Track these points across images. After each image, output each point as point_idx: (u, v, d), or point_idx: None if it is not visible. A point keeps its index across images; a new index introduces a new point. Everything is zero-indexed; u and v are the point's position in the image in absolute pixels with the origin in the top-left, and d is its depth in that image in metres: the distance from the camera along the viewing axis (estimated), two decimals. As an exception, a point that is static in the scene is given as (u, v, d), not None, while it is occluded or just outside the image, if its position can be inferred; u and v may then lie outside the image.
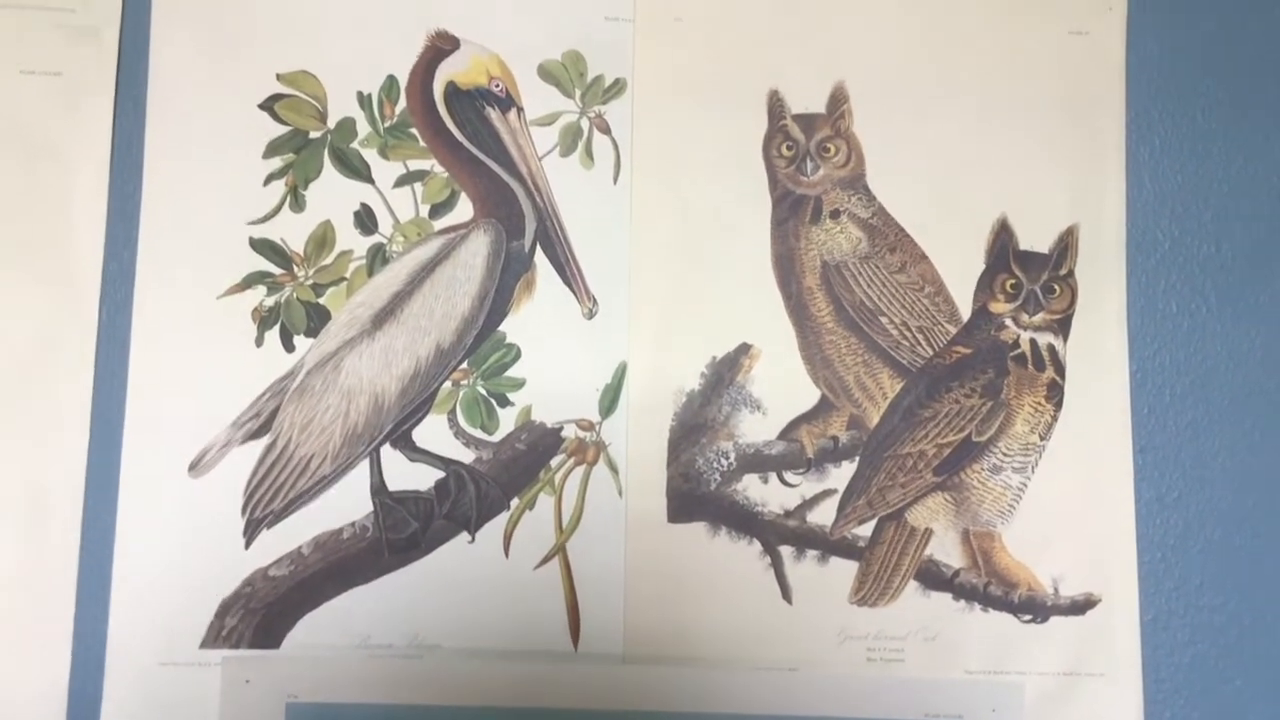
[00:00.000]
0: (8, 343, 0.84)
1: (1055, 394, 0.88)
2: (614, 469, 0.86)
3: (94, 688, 0.81)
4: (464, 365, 0.86)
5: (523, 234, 0.88)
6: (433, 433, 0.86)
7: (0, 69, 0.86)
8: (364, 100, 0.88)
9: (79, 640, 0.82)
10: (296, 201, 0.87)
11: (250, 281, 0.86)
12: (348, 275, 0.87)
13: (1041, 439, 0.88)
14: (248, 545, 0.83)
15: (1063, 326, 0.89)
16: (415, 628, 0.83)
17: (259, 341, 0.86)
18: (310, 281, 0.86)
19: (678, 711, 0.82)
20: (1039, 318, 0.89)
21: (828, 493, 0.87)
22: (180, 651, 0.82)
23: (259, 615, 0.83)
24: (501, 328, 0.87)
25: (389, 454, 0.85)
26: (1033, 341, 0.89)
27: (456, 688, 0.81)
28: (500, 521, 0.85)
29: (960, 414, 0.88)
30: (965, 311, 0.89)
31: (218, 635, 0.82)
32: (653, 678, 0.82)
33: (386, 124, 0.88)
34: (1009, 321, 0.89)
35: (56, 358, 0.84)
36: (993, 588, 0.86)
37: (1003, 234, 0.90)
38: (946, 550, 0.87)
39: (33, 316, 0.84)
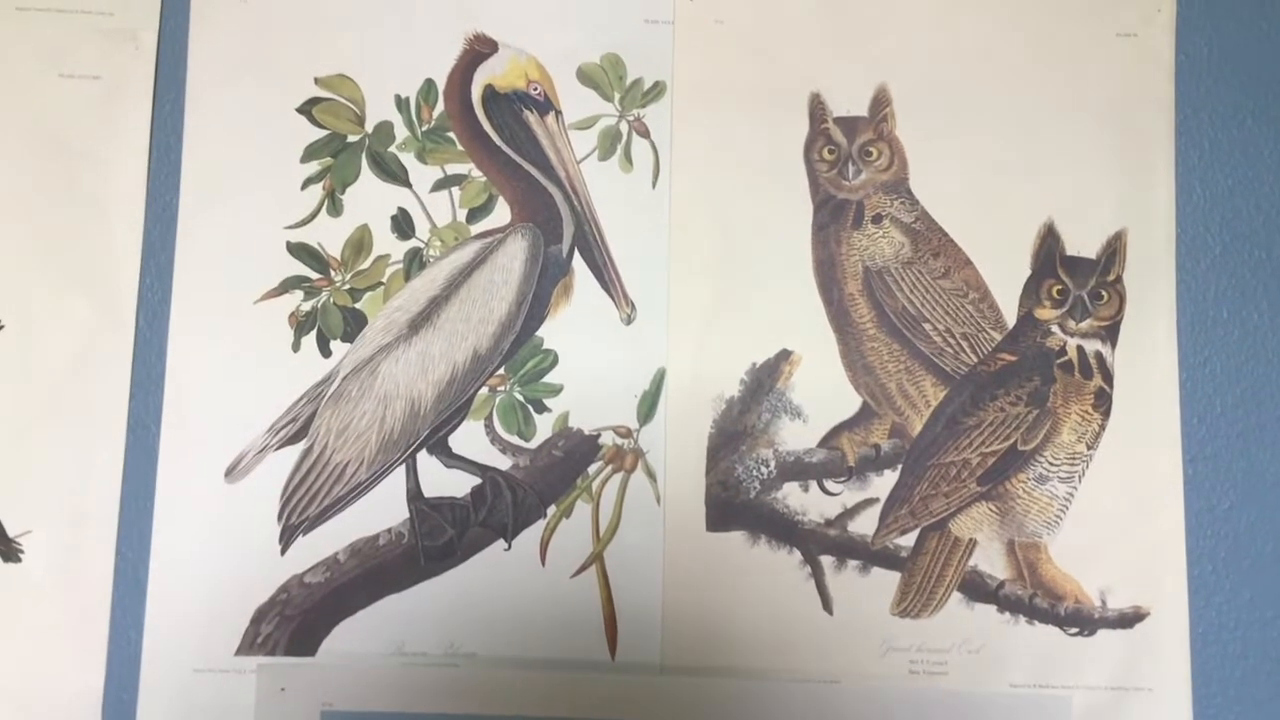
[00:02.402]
0: (45, 347, 0.84)
1: (1103, 402, 0.86)
2: (652, 476, 0.85)
3: (129, 694, 0.81)
4: (501, 371, 0.86)
5: (560, 238, 0.87)
6: (469, 439, 0.85)
7: (39, 73, 0.86)
8: (402, 104, 0.87)
9: (114, 646, 0.81)
10: (334, 206, 0.86)
11: (287, 286, 0.86)
12: (385, 280, 0.86)
13: (1089, 448, 0.86)
14: (283, 551, 0.83)
15: (1110, 333, 0.87)
16: (451, 636, 0.82)
17: (296, 347, 0.85)
18: (347, 286, 0.86)
19: (717, 723, 0.81)
20: (1086, 324, 0.87)
21: (869, 502, 0.86)
22: (215, 658, 0.81)
23: (294, 622, 0.82)
24: (539, 333, 0.86)
25: (425, 460, 0.85)
26: (1080, 349, 0.87)
27: (492, 697, 0.80)
28: (537, 529, 0.84)
29: (1005, 422, 0.86)
30: (1010, 318, 0.87)
31: (253, 642, 0.82)
32: (690, 688, 0.81)
33: (424, 128, 0.87)
34: (1055, 328, 0.87)
35: (93, 362, 0.84)
36: (1039, 600, 0.84)
37: (1049, 239, 0.88)
38: (991, 561, 0.85)
39: (70, 320, 0.84)
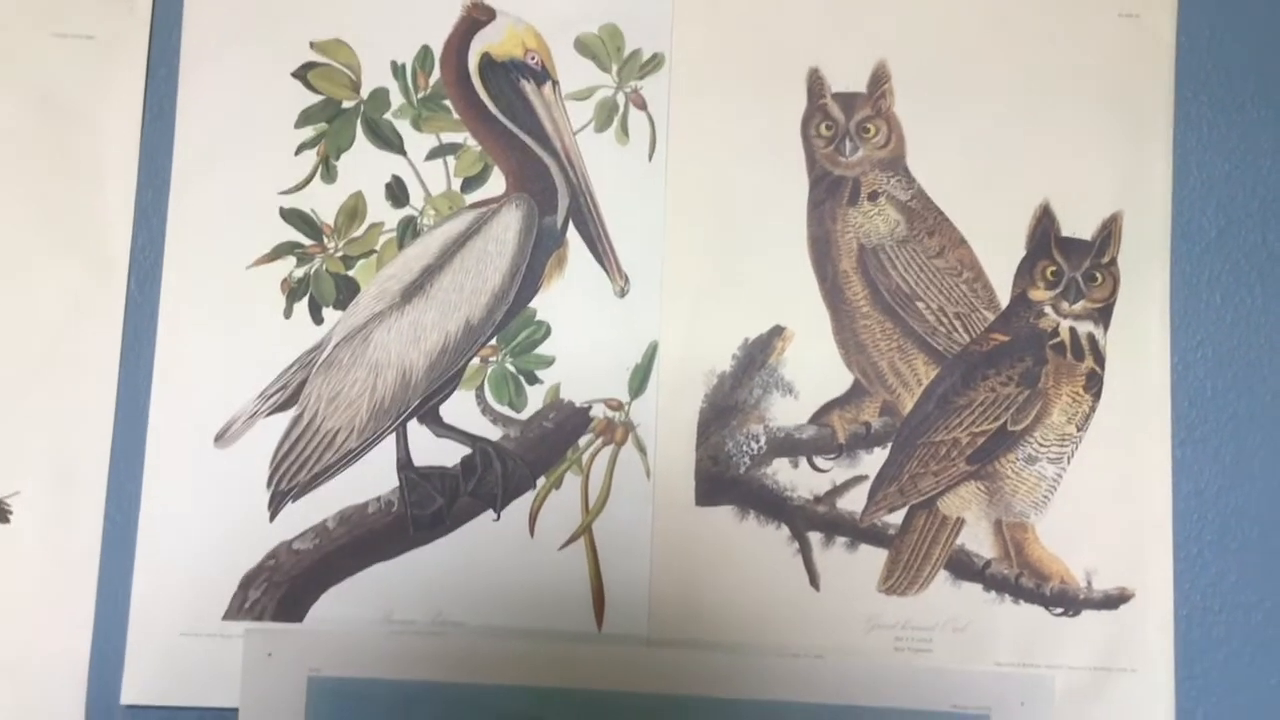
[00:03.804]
0: (36, 310, 0.83)
1: (1094, 384, 0.87)
2: (642, 450, 0.85)
3: (116, 656, 0.81)
4: (493, 341, 0.85)
5: (555, 209, 0.87)
6: (460, 409, 0.85)
7: (33, 31, 0.85)
8: (398, 70, 0.87)
9: (101, 608, 0.81)
10: (328, 172, 0.86)
11: (280, 252, 0.85)
12: (378, 248, 0.86)
13: (1079, 429, 0.86)
14: (272, 518, 0.83)
15: (1103, 315, 0.87)
16: (439, 604, 0.82)
17: (288, 313, 0.85)
18: (340, 253, 0.86)
19: (701, 695, 0.81)
20: (1079, 306, 0.87)
21: (859, 479, 0.86)
22: (203, 622, 0.81)
23: (282, 588, 0.82)
24: (532, 304, 0.86)
25: (416, 429, 0.85)
26: (1072, 330, 0.87)
27: (479, 665, 0.81)
28: (526, 500, 0.84)
29: (996, 402, 0.86)
30: (1004, 298, 0.87)
31: (241, 607, 0.82)
32: (677, 660, 0.81)
33: (420, 95, 0.87)
34: (1049, 309, 0.87)
35: (84, 324, 0.84)
36: (1024, 579, 0.85)
37: (1044, 219, 0.88)
38: (978, 540, 0.85)
39: (61, 282, 0.84)
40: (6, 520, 0.82)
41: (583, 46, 0.88)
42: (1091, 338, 0.87)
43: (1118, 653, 0.84)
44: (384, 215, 0.86)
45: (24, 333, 0.83)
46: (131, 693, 0.81)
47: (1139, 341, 0.87)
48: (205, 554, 0.82)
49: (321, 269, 0.85)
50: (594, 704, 0.81)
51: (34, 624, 0.80)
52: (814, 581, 0.84)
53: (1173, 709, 0.84)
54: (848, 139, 0.88)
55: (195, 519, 0.82)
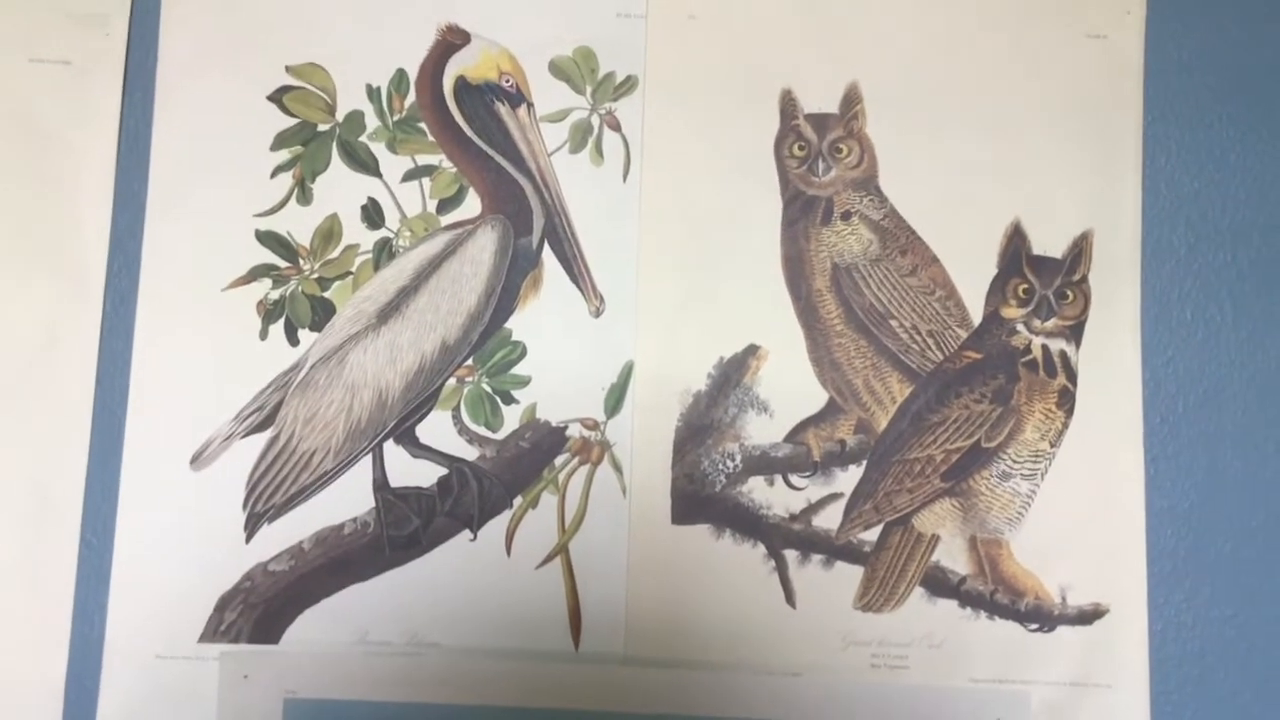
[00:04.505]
0: (11, 331, 0.84)
1: (1066, 401, 0.87)
2: (618, 469, 0.85)
3: (91, 679, 0.81)
4: (469, 362, 0.86)
5: (530, 230, 0.87)
6: (437, 429, 0.85)
7: (9, 57, 0.86)
8: (373, 93, 0.87)
9: (77, 630, 0.81)
10: (304, 194, 0.87)
11: (256, 274, 0.86)
12: (354, 269, 0.86)
13: (1052, 446, 0.87)
14: (248, 539, 0.83)
15: (1075, 333, 0.88)
16: (415, 625, 0.82)
17: (263, 334, 0.85)
18: (316, 275, 0.86)
19: (678, 714, 0.81)
20: (1051, 323, 0.88)
21: (834, 496, 0.86)
22: (179, 645, 0.81)
23: (258, 610, 0.82)
24: (507, 325, 0.86)
25: (392, 450, 0.85)
26: (1044, 347, 0.88)
27: (456, 686, 0.81)
28: (503, 520, 0.84)
29: (970, 420, 0.87)
30: (976, 316, 0.88)
31: (216, 629, 0.82)
32: (654, 679, 0.82)
33: (395, 118, 0.87)
34: (1021, 327, 0.88)
35: (60, 347, 0.84)
36: (999, 595, 0.85)
37: (1016, 238, 0.89)
38: (953, 557, 0.86)
39: (37, 305, 0.84)
40: (-19, 544, 0.81)
41: (557, 69, 0.88)
42: (1064, 354, 0.88)
43: (1093, 668, 0.84)
44: (360, 237, 0.87)
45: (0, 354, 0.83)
46: (107, 716, 0.80)
47: (1110, 358, 0.88)
48: (181, 576, 0.82)
49: (297, 291, 0.86)
50: (570, 724, 0.81)
51: (8, 647, 0.80)
52: (790, 599, 0.85)
53: (1148, 724, 0.84)
54: (820, 159, 0.89)
55: (171, 541, 0.82)
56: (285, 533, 0.83)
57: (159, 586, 0.82)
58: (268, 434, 0.84)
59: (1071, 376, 0.87)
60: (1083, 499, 0.86)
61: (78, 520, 0.82)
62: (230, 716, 0.79)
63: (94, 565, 0.82)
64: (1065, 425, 0.87)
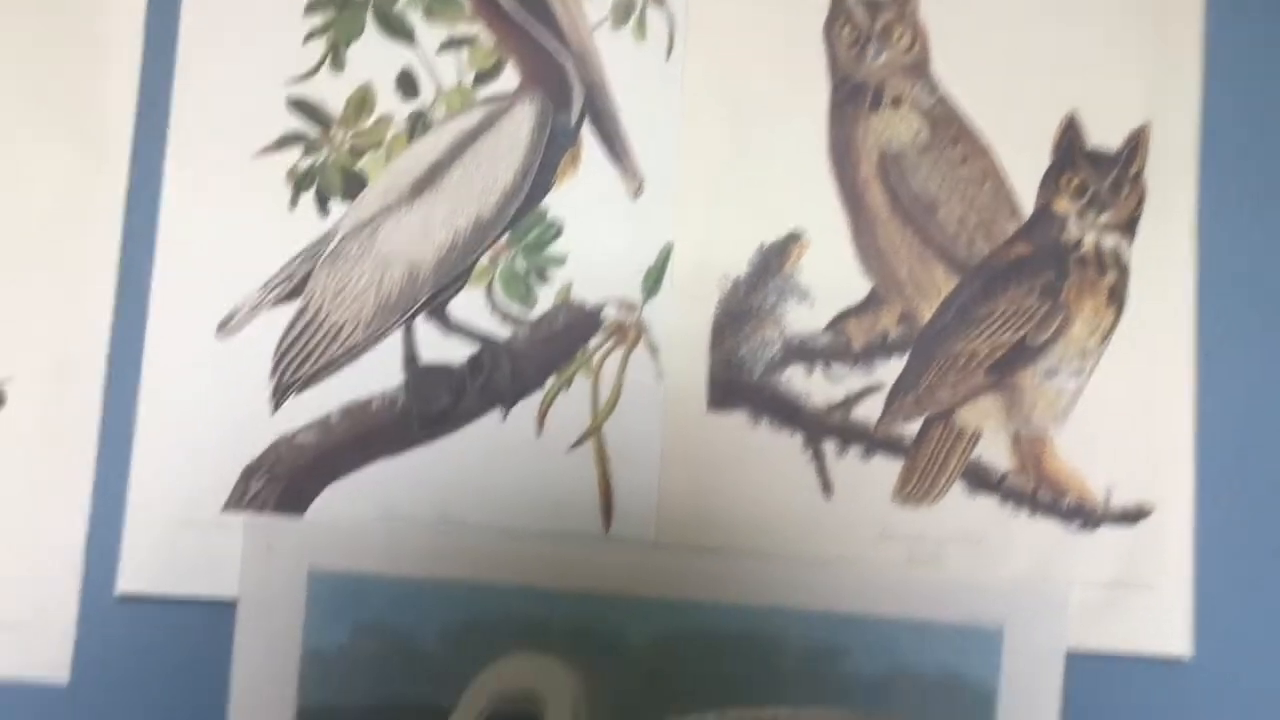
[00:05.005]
0: (35, 196, 0.81)
1: (1117, 298, 0.85)
2: (654, 352, 0.83)
3: (112, 544, 0.79)
4: (503, 239, 0.83)
5: (569, 107, 0.84)
6: (469, 306, 0.83)
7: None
8: (411, -43, 0.84)
9: (98, 496, 0.79)
10: (337, 61, 0.84)
11: (286, 142, 0.83)
12: (387, 141, 0.83)
13: (1100, 344, 0.84)
14: (275, 410, 0.81)
15: (1129, 229, 0.85)
16: (443, 503, 0.80)
17: (293, 204, 0.83)
18: (348, 145, 0.83)
19: (708, 599, 0.79)
20: (1104, 218, 0.85)
21: (874, 388, 0.84)
22: (203, 513, 0.79)
23: (283, 482, 0.80)
24: (544, 202, 0.84)
25: (423, 326, 0.82)
26: (1096, 243, 0.85)
27: (483, 564, 0.79)
28: (534, 400, 0.82)
29: (1017, 315, 0.84)
30: (1027, 209, 0.85)
31: (241, 498, 0.80)
32: (684, 564, 0.80)
33: (433, -15, 0.84)
34: (1072, 222, 0.85)
35: (84, 212, 0.82)
36: (1041, 493, 0.83)
37: (1070, 131, 0.86)
38: (995, 452, 0.84)
39: (61, 169, 0.82)
40: (1, 404, 0.79)
41: (602, -61, 0.85)
42: (1116, 251, 0.85)
43: (1135, 568, 0.82)
44: (393, 108, 0.84)
45: (20, 215, 0.80)
46: (127, 581, 0.79)
47: (1164, 256, 0.85)
48: (206, 444, 0.80)
49: (328, 160, 0.83)
50: (600, 605, 0.79)
51: (28, 510, 0.78)
52: (826, 490, 0.83)
53: (1190, 626, 0.82)
54: (872, 42, 0.86)
55: (196, 409, 0.80)
56: (312, 405, 0.81)
57: (183, 454, 0.80)
58: (296, 304, 0.82)
59: (1123, 273, 0.85)
60: (1131, 398, 0.84)
61: (100, 385, 0.80)
62: (254, 587, 0.77)
63: (117, 431, 0.80)
64: (1115, 323, 0.85)
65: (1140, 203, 0.86)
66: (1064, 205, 0.85)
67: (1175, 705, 0.82)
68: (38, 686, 0.78)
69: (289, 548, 0.78)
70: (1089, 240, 0.85)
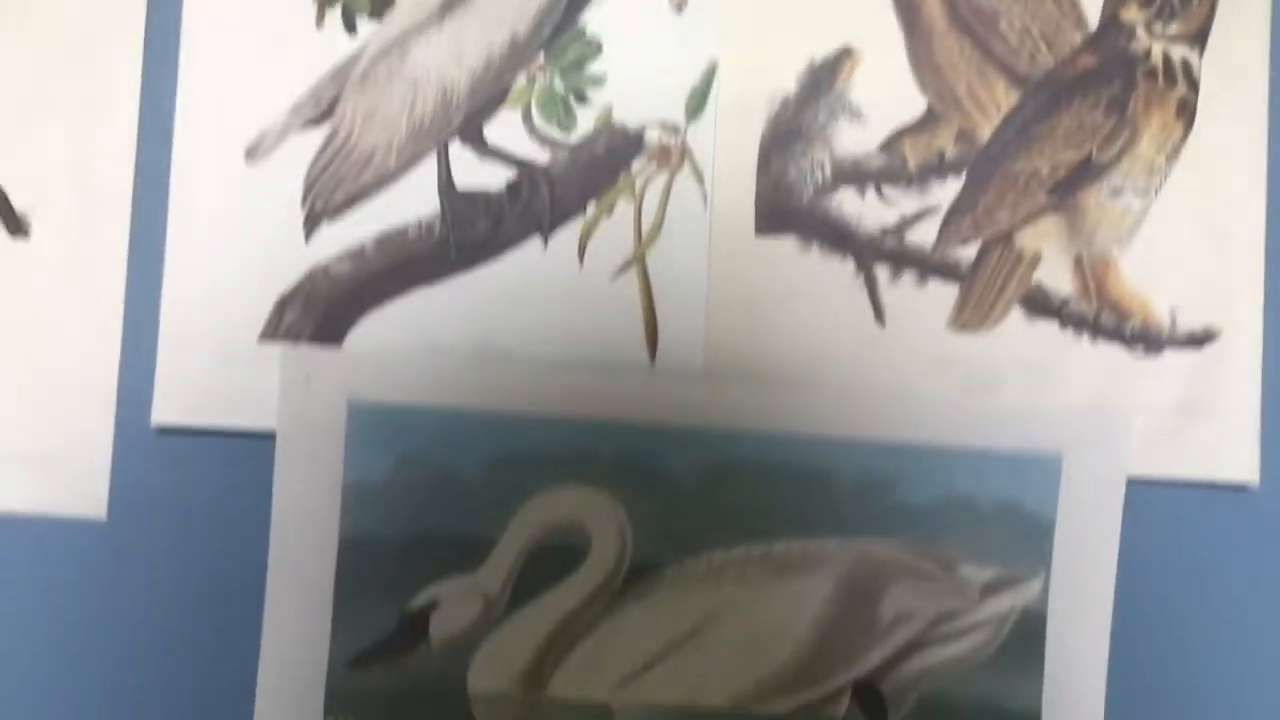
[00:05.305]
0: (53, 14, 0.77)
1: (1186, 112, 0.80)
2: (699, 177, 0.79)
3: (146, 376, 0.76)
4: (540, 59, 0.79)
5: (608, -85, 0.79)
6: (505, 129, 0.79)
7: None
8: None
9: (130, 327, 0.77)
10: None
11: (309, -45, 0.79)
12: (415, -45, 0.79)
13: (1168, 161, 0.80)
14: (308, 238, 0.78)
15: (1199, 40, 0.81)
16: (483, 332, 0.78)
17: (319, 21, 0.78)
18: (375, -42, 0.79)
19: (756, 429, 0.77)
20: (1174, 28, 0.80)
21: (930, 210, 0.80)
22: (238, 344, 0.77)
23: (320, 311, 0.78)
24: (581, 19, 0.80)
25: (458, 150, 0.79)
26: (1165, 54, 0.80)
27: (525, 394, 0.76)
28: (575, 227, 0.79)
29: (1081, 130, 0.80)
30: (1093, 18, 0.80)
31: (277, 328, 0.77)
32: (732, 394, 0.77)
33: None
34: (1141, 31, 0.80)
35: (105, 31, 0.78)
36: (1104, 317, 0.80)
37: (1140, -66, 0.80)
38: (1056, 276, 0.80)
39: (78, -10, 0.77)
40: (26, 234, 0.77)
41: None
42: (1185, 63, 0.80)
43: (1201, 394, 0.79)
44: (421, -81, 0.79)
45: (40, 36, 0.77)
46: (162, 413, 0.77)
47: (1236, 67, 0.81)
48: (238, 273, 0.77)
49: (354, -24, 0.79)
50: (646, 436, 0.77)
51: (58, 341, 0.76)
52: (879, 317, 0.80)
53: (1257, 454, 0.79)
54: None
55: (226, 238, 0.78)
56: (346, 234, 0.78)
57: (215, 283, 0.77)
58: (325, 129, 0.78)
59: (1193, 86, 0.80)
60: (1199, 217, 0.80)
61: (127, 213, 0.77)
62: (292, 417, 0.75)
63: (146, 259, 0.77)
64: (1183, 139, 0.80)
65: (1212, 11, 0.81)
66: (1132, 13, 0.81)
67: (1239, 533, 0.80)
68: (77, 521, 0.76)
69: (327, 378, 0.76)
70: (1157, 51, 0.81)
